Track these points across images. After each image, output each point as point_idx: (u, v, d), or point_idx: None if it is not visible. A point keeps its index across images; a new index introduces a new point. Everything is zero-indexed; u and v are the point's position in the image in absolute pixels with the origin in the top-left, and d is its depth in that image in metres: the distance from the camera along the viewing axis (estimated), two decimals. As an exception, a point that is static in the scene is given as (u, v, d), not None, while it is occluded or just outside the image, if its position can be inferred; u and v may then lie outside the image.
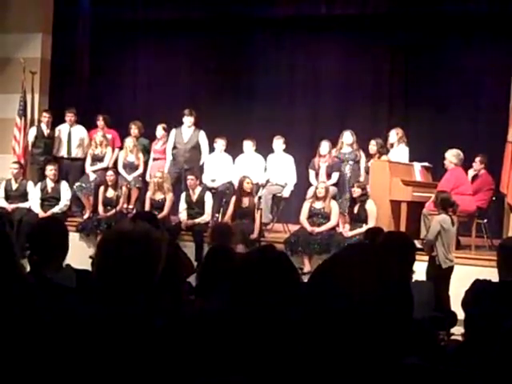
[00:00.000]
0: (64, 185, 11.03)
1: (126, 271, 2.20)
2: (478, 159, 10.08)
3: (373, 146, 10.39)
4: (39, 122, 11.85)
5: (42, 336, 2.04)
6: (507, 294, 3.86)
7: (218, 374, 2.03)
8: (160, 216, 10.01)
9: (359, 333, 1.37)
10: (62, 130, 11.81)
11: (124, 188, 10.93)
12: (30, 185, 11.07)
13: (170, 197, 10.52)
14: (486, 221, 9.84)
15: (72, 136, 11.80)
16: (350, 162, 10.67)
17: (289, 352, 1.47)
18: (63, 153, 11.81)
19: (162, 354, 2.03)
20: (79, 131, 11.87)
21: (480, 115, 11.87)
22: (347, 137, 10.71)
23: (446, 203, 7.91)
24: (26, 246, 3.81)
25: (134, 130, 11.61)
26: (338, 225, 9.80)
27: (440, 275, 7.44)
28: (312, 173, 10.87)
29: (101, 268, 2.26)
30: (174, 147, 11.30)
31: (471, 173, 10.09)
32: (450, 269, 7.70)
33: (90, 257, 6.42)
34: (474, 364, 3.16)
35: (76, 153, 11.81)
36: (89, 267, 3.28)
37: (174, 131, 11.34)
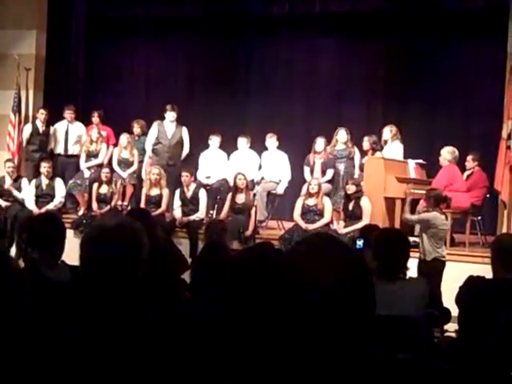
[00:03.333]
0: (59, 182, 11.02)
1: (110, 266, 2.21)
2: (469, 158, 10.09)
3: (366, 143, 10.41)
4: (34, 118, 11.83)
5: (36, 332, 2.04)
6: (501, 291, 3.87)
7: (210, 375, 2.03)
8: (157, 212, 10.06)
9: (317, 326, 1.38)
10: (60, 127, 11.80)
11: (118, 184, 10.94)
12: (24, 182, 11.06)
13: (166, 192, 10.53)
14: (480, 218, 9.87)
15: (70, 133, 11.79)
16: (344, 159, 10.68)
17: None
18: (60, 150, 11.80)
19: (153, 354, 2.03)
20: (77, 128, 11.87)
21: (474, 112, 11.88)
22: (342, 135, 10.72)
23: (439, 200, 7.93)
24: (22, 238, 3.81)
25: (137, 128, 11.62)
26: (332, 221, 9.81)
27: (431, 271, 7.45)
28: (307, 169, 10.88)
29: (86, 266, 2.27)
30: (158, 143, 11.31)
31: (466, 173, 10.09)
32: (442, 265, 7.72)
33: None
34: (468, 360, 3.17)
35: (73, 150, 11.81)
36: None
37: (155, 126, 11.34)
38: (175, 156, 11.26)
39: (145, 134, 11.73)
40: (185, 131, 11.37)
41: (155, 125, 11.37)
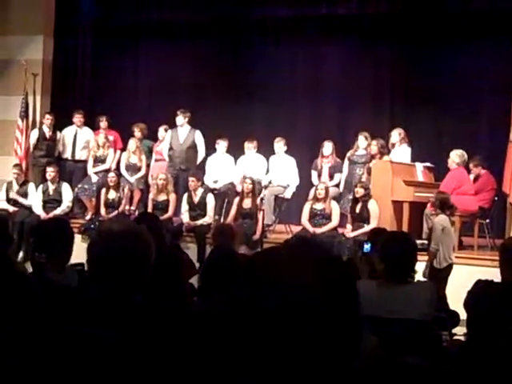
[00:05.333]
0: (66, 186, 11.04)
1: (118, 270, 2.21)
2: (471, 165, 9.94)
3: (374, 147, 10.36)
4: (41, 123, 11.87)
5: (45, 335, 2.04)
6: (509, 295, 3.85)
7: (218, 376, 2.02)
8: (164, 217, 10.03)
9: (298, 334, 1.36)
10: (68, 131, 11.84)
11: (126, 189, 10.94)
12: (31, 186, 11.08)
13: (173, 198, 10.53)
14: (488, 221, 9.82)
15: (78, 138, 11.83)
16: (361, 165, 10.57)
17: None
18: (67, 154, 11.83)
19: (162, 353, 2.03)
20: (86, 133, 11.90)
21: (482, 115, 11.86)
22: (361, 140, 10.66)
23: (445, 204, 7.90)
24: (30, 243, 3.84)
25: (137, 132, 11.62)
26: (339, 225, 9.80)
27: (441, 276, 7.43)
28: (314, 173, 10.87)
29: (94, 270, 2.27)
30: (171, 148, 11.31)
31: (473, 175, 10.04)
32: (449, 269, 7.70)
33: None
34: (477, 364, 3.15)
35: (80, 155, 11.84)
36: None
37: (169, 132, 11.37)
38: (188, 161, 11.21)
39: (145, 136, 11.72)
40: (198, 135, 11.31)
41: (169, 131, 11.40)
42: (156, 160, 11.59)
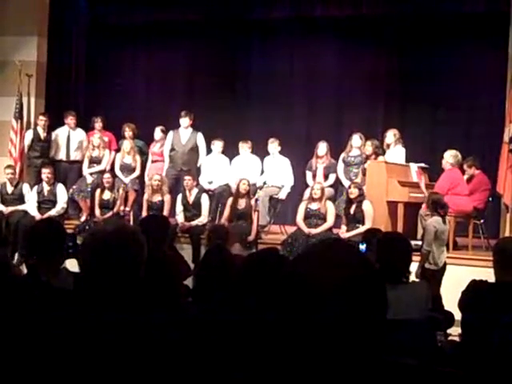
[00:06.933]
0: (60, 188, 11.01)
1: (111, 270, 2.21)
2: (465, 166, 9.94)
3: (368, 147, 10.35)
4: (35, 125, 11.85)
5: (38, 340, 2.04)
6: (503, 295, 3.86)
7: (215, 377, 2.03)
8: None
9: (331, 339, 1.35)
10: (61, 133, 11.82)
11: (121, 190, 10.93)
12: (25, 187, 11.06)
13: (167, 198, 10.53)
14: (482, 221, 9.83)
15: (71, 139, 11.81)
16: (356, 166, 10.57)
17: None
18: (62, 156, 11.81)
19: (158, 357, 2.03)
20: (78, 134, 11.89)
21: (476, 116, 11.88)
22: (356, 140, 10.64)
23: (438, 205, 7.90)
24: (23, 247, 3.84)
25: (129, 132, 11.59)
26: (334, 226, 9.80)
27: (431, 275, 7.44)
28: (309, 174, 10.87)
29: (87, 271, 2.27)
30: (172, 149, 11.32)
31: (466, 176, 10.04)
32: (442, 269, 7.71)
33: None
34: (471, 364, 3.16)
35: (75, 156, 11.82)
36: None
37: (171, 133, 11.37)
38: (190, 162, 11.24)
39: (136, 136, 11.70)
40: (200, 137, 11.35)
41: (171, 132, 11.41)
42: (153, 161, 11.58)
